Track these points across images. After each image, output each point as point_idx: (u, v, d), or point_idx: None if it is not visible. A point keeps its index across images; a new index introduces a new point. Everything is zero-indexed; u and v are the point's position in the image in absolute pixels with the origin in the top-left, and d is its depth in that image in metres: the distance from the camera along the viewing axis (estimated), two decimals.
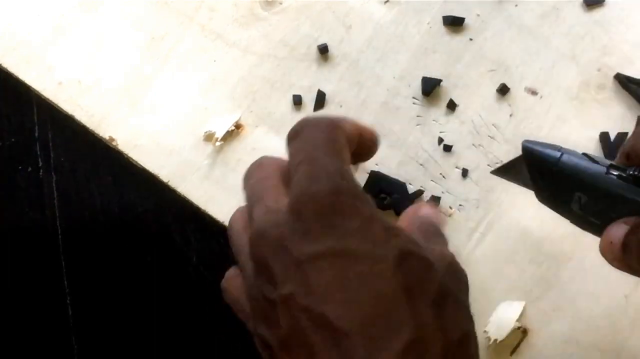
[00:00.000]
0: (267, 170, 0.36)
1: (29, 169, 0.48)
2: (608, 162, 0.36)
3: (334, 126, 0.35)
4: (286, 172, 0.35)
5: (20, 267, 0.46)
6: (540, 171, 0.38)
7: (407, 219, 0.38)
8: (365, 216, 0.31)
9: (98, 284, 0.46)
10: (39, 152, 0.48)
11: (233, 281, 0.35)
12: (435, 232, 0.36)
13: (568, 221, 0.38)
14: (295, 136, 0.35)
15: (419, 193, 0.46)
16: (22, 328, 0.46)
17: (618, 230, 0.34)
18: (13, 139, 0.48)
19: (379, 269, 0.29)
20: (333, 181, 0.32)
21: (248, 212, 0.35)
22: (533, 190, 0.39)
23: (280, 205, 0.32)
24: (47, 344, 0.46)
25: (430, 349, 0.29)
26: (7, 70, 0.49)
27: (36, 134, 0.48)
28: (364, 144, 0.38)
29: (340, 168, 0.33)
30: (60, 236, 0.47)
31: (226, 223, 0.46)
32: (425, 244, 0.34)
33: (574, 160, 0.36)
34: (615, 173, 0.35)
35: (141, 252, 0.47)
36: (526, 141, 0.38)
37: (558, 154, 0.36)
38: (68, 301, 0.46)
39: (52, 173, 0.48)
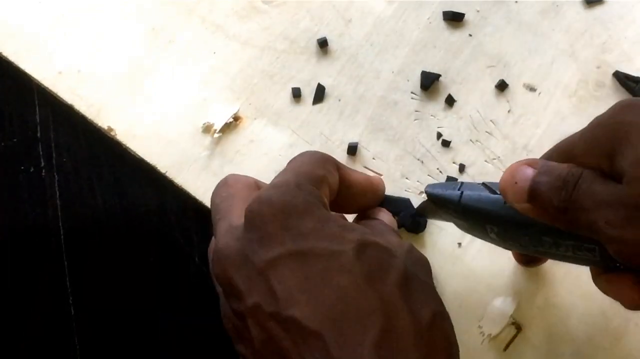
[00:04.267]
0: (233, 188, 0.36)
1: (31, 169, 0.48)
2: None
3: (324, 156, 0.36)
4: (254, 189, 0.35)
5: (23, 267, 0.46)
6: (449, 211, 0.38)
7: (362, 220, 0.38)
8: (319, 216, 0.31)
9: (100, 284, 0.46)
10: (41, 152, 0.48)
11: (221, 309, 0.35)
12: (388, 230, 0.36)
13: None
14: (288, 162, 0.36)
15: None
16: (24, 328, 0.46)
17: (525, 171, 0.32)
18: (15, 139, 0.48)
19: (338, 263, 0.29)
20: (287, 188, 0.32)
21: (213, 233, 0.34)
22: (454, 223, 0.39)
23: (242, 221, 0.32)
24: (50, 344, 0.46)
25: (403, 333, 0.28)
26: (7, 59, 0.49)
27: (38, 134, 0.48)
28: (358, 187, 0.38)
29: (299, 181, 0.33)
30: (62, 236, 0.47)
31: None
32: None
33: (474, 196, 0.36)
34: None
35: (143, 252, 0.47)
36: (428, 186, 0.39)
37: (458, 193, 0.37)
38: (70, 301, 0.46)
39: (54, 173, 0.48)
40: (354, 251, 0.30)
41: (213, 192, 0.37)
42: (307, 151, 0.36)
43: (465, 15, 0.49)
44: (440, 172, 0.47)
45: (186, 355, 0.46)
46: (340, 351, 0.27)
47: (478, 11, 0.50)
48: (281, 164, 0.47)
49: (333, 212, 0.33)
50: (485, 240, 0.38)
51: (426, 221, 0.45)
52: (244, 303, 0.30)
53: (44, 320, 0.46)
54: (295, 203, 0.31)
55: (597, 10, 0.50)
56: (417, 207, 0.43)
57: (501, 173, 0.46)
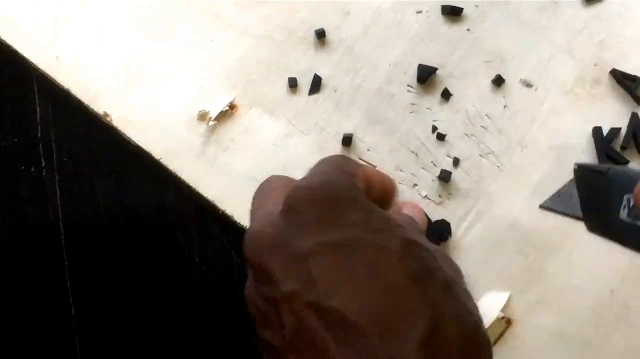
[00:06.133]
0: (273, 184, 0.35)
1: (32, 169, 0.48)
2: None
3: (348, 158, 0.35)
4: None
5: (24, 267, 0.47)
6: (591, 185, 0.38)
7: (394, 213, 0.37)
8: (363, 206, 0.30)
9: (101, 284, 0.46)
10: (41, 152, 0.48)
11: (245, 291, 0.35)
12: (419, 231, 0.36)
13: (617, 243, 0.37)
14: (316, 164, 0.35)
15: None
16: (24, 328, 0.46)
17: None
18: (15, 139, 0.48)
19: (385, 258, 0.28)
20: (327, 176, 0.31)
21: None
22: (583, 217, 0.39)
23: (279, 208, 0.31)
24: (50, 343, 0.46)
25: (448, 336, 0.28)
26: (6, 42, 0.49)
27: (39, 134, 0.48)
28: (384, 188, 0.37)
29: (337, 172, 0.32)
30: (63, 236, 0.47)
31: (216, 202, 0.46)
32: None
33: (621, 169, 0.37)
34: None
35: (144, 253, 0.47)
36: (577, 163, 0.39)
37: (607, 165, 0.37)
38: (71, 301, 0.46)
39: (55, 173, 0.48)
40: (401, 247, 0.29)
41: (255, 192, 0.35)
42: (332, 155, 0.35)
43: (464, 10, 0.49)
44: (435, 165, 0.47)
45: (186, 354, 0.46)
46: (383, 347, 0.26)
47: (477, 6, 0.50)
48: (276, 153, 0.47)
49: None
50: (611, 234, 0.37)
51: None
52: (278, 289, 0.29)
53: (44, 320, 0.46)
54: (339, 191, 0.30)
55: (596, 8, 0.50)
56: (556, 192, 0.43)
57: (495, 168, 0.47)
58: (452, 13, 0.49)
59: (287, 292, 0.28)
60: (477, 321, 0.30)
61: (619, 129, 0.47)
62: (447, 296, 0.29)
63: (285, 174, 0.46)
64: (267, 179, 0.36)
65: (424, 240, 0.33)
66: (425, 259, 0.30)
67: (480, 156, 0.47)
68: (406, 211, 0.39)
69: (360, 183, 0.34)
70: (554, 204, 0.42)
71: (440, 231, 0.42)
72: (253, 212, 0.34)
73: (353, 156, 0.47)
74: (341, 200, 0.30)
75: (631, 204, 0.36)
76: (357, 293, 0.28)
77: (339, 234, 0.29)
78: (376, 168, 0.47)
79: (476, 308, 0.31)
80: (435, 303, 0.28)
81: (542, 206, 0.43)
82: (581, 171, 0.39)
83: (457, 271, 0.33)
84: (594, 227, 0.39)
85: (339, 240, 0.29)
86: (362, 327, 0.27)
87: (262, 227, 0.31)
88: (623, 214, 0.36)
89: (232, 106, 0.48)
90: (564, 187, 0.41)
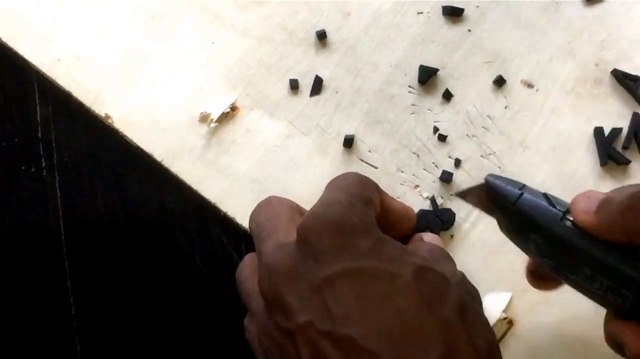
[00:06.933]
0: (276, 208, 0.35)
1: (32, 169, 0.48)
2: (567, 205, 0.35)
3: (367, 178, 0.35)
4: (297, 212, 0.35)
5: (24, 267, 0.46)
6: (499, 206, 0.37)
7: (413, 246, 0.37)
8: (376, 237, 0.31)
9: (101, 285, 0.46)
10: (42, 152, 0.48)
11: (247, 329, 0.35)
12: (443, 256, 0.36)
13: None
14: (329, 183, 0.35)
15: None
16: (25, 328, 0.46)
17: (598, 192, 0.33)
18: (16, 139, 0.48)
19: (398, 285, 0.29)
20: (340, 206, 0.31)
21: (257, 250, 0.34)
22: (495, 219, 0.39)
23: (291, 239, 0.32)
24: (50, 344, 0.46)
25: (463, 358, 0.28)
26: (6, 44, 0.49)
27: (39, 134, 0.48)
28: (401, 217, 0.37)
29: (352, 201, 0.32)
30: (63, 236, 0.47)
31: (217, 204, 0.46)
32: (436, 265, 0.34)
33: (533, 201, 0.36)
34: (570, 219, 0.34)
35: (144, 254, 0.46)
36: (490, 175, 0.38)
37: (518, 193, 0.36)
38: (71, 301, 0.46)
39: (55, 173, 0.48)
40: (413, 274, 0.29)
41: (254, 212, 0.36)
42: (350, 172, 0.36)
43: (465, 11, 0.49)
44: (436, 166, 0.47)
45: (186, 354, 0.46)
46: None
47: (477, 7, 0.50)
48: (277, 154, 0.47)
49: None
50: (519, 246, 0.37)
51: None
52: (294, 320, 0.29)
53: (44, 320, 0.46)
54: (352, 222, 0.31)
55: (597, 8, 0.50)
56: (464, 190, 0.41)
57: (497, 169, 0.47)
58: (453, 14, 0.49)
59: (302, 322, 0.29)
60: (491, 342, 0.30)
61: (621, 129, 0.47)
62: (460, 319, 0.29)
63: (286, 176, 0.46)
64: (266, 201, 0.36)
65: (443, 265, 0.33)
66: (438, 285, 0.30)
67: (481, 156, 0.47)
68: (427, 238, 0.38)
69: (374, 209, 0.34)
70: (467, 198, 0.41)
71: (443, 219, 0.42)
72: (261, 239, 0.34)
73: (354, 157, 0.47)
74: (354, 230, 0.31)
75: (538, 242, 0.35)
76: (371, 320, 0.28)
77: (352, 264, 0.29)
78: (377, 169, 0.47)
79: (492, 333, 0.32)
80: (448, 327, 0.29)
81: (455, 195, 0.42)
82: (491, 187, 0.37)
83: (474, 296, 0.34)
84: (505, 233, 0.38)
85: (352, 269, 0.29)
86: (377, 353, 0.27)
87: (278, 259, 0.31)
88: (531, 245, 0.36)
89: (233, 108, 0.48)
90: (478, 186, 0.39)
